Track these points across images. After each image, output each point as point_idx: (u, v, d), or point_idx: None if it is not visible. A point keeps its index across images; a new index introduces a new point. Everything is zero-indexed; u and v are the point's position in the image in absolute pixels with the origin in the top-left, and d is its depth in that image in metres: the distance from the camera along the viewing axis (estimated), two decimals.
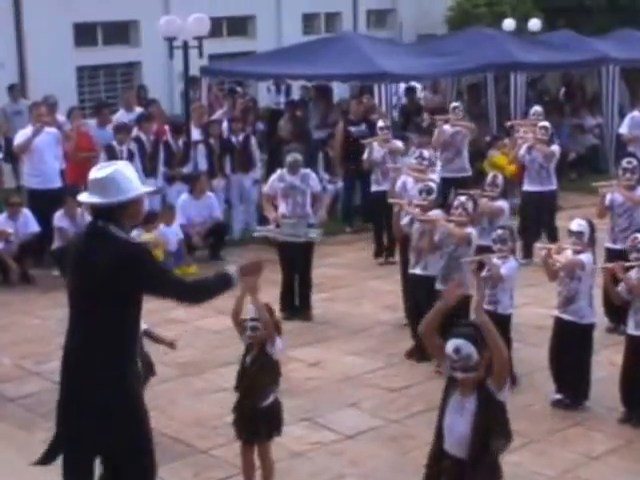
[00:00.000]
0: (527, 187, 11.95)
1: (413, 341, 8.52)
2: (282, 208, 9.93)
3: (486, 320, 4.74)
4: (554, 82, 20.42)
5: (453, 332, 4.73)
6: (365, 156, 12.25)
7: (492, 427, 4.66)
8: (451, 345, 4.66)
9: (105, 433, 4.81)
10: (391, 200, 9.67)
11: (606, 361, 8.22)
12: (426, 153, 10.41)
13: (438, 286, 8.27)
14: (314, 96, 17.76)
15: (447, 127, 12.99)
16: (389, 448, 6.94)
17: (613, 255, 8.77)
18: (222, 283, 5.06)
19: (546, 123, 12.13)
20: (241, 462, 6.18)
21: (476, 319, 4.85)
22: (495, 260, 7.83)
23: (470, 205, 8.45)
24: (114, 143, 12.69)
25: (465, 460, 4.69)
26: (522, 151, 11.94)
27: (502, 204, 9.61)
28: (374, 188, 12.14)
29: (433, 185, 8.96)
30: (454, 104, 13.68)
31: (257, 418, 5.98)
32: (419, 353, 8.30)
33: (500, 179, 9.74)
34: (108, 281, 4.71)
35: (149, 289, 4.88)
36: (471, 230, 8.34)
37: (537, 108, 13.36)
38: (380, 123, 12.48)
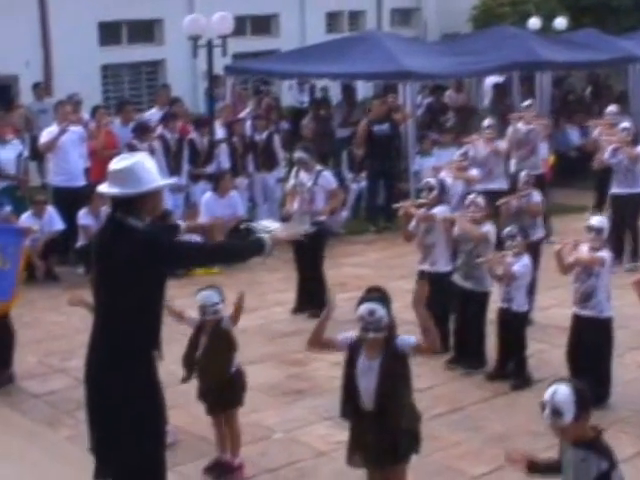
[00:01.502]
0: (615, 190, 11.82)
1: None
2: (293, 205, 10.02)
3: (424, 312, 5.28)
4: (579, 81, 20.31)
5: (366, 297, 5.27)
6: (470, 154, 11.93)
7: (398, 378, 5.25)
8: (365, 308, 5.19)
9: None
10: (395, 205, 9.70)
11: (633, 363, 8.17)
12: (471, 151, 10.47)
13: (459, 282, 8.40)
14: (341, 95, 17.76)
15: (521, 125, 12.87)
16: None
17: None
18: (253, 248, 5.15)
19: (627, 124, 12.01)
20: (215, 434, 6.52)
21: (417, 310, 5.28)
22: (508, 258, 7.90)
23: (482, 201, 8.47)
24: (134, 141, 12.76)
25: (376, 410, 5.23)
26: (607, 154, 11.81)
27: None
28: (479, 187, 11.70)
29: (433, 182, 9.03)
30: (527, 102, 13.55)
31: (223, 389, 6.36)
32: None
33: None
34: (128, 271, 4.74)
35: (173, 263, 5.03)
36: (488, 228, 8.39)
37: (612, 108, 13.24)
38: (486, 122, 12.34)
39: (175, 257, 4.97)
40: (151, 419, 4.93)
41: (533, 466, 4.86)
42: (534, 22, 21.82)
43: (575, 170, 15.34)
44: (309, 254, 9.95)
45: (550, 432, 4.67)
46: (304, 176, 10.05)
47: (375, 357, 5.27)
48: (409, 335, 5.39)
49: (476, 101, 18.35)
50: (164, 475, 5.08)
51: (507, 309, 8.00)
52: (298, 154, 10.17)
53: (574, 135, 17.06)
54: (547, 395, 4.48)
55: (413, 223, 8.90)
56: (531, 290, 8.61)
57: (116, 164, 4.86)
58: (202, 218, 12.13)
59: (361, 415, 5.37)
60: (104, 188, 4.92)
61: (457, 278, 8.48)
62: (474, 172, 10.89)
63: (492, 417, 7.53)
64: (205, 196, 12.44)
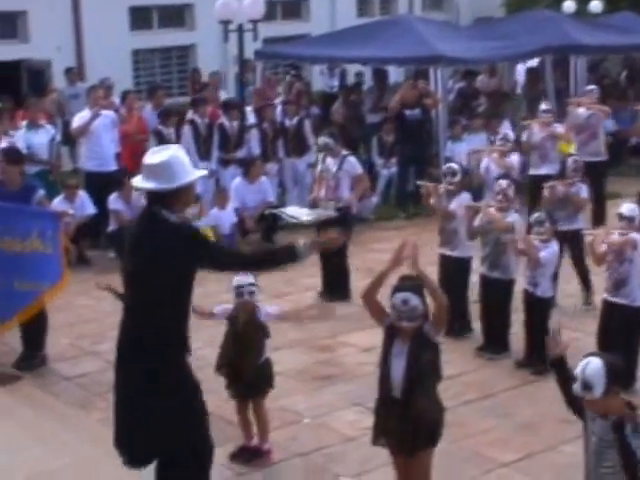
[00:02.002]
0: None
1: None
2: (321, 192, 10.09)
3: (422, 271, 5.32)
4: (614, 65, 20.09)
5: (400, 286, 5.28)
6: (524, 138, 11.96)
7: (425, 366, 5.25)
8: (400, 297, 5.22)
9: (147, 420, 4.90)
10: (420, 182, 9.84)
11: None
12: (511, 135, 10.43)
13: (485, 272, 8.45)
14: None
15: (581, 110, 12.74)
16: None
17: None
18: (287, 256, 5.15)
19: None
20: (238, 420, 6.58)
21: (414, 271, 5.34)
22: (536, 243, 7.93)
23: (511, 190, 8.43)
24: (160, 127, 12.80)
25: (402, 399, 5.23)
26: None
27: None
28: (532, 172, 11.84)
29: (456, 167, 8.96)
30: (590, 87, 13.41)
31: (252, 377, 6.39)
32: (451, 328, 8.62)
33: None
34: (161, 265, 4.77)
35: (207, 265, 4.96)
36: (514, 218, 8.36)
37: None
38: (543, 106, 12.19)
39: (211, 258, 4.97)
40: (191, 407, 4.97)
41: (561, 364, 4.88)
42: (569, 5, 21.60)
43: (609, 156, 15.18)
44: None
45: (580, 421, 4.67)
46: (330, 161, 10.14)
47: (406, 343, 5.30)
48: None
49: (509, 86, 18.20)
50: (210, 457, 5.12)
51: (532, 293, 8.09)
52: (322, 139, 10.27)
53: (608, 121, 16.84)
54: (579, 368, 4.50)
55: (432, 199, 8.95)
56: (555, 276, 8.63)
57: (151, 158, 4.86)
58: (232, 203, 12.18)
59: (387, 400, 5.39)
60: (139, 182, 4.92)
61: (484, 268, 8.49)
62: (514, 158, 10.75)
63: (522, 404, 7.52)
64: (235, 181, 12.47)
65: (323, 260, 10.14)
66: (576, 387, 4.51)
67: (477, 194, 10.30)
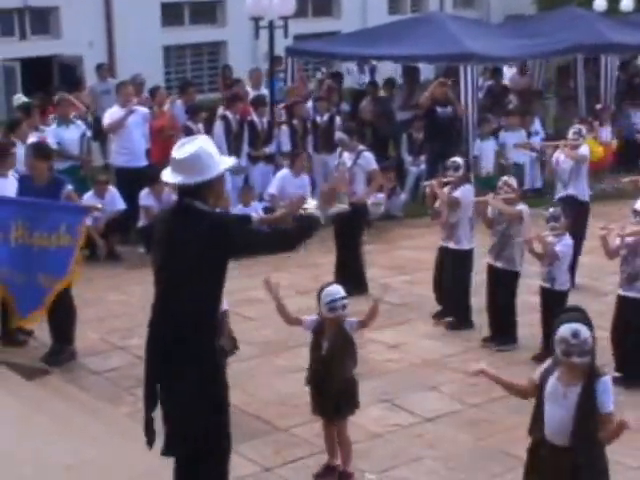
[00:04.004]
0: None
1: (439, 305, 9.27)
2: None
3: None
4: None
5: (567, 317, 4.75)
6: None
7: (596, 413, 4.64)
8: (568, 329, 4.65)
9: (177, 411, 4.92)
10: (424, 183, 10.15)
11: None
12: (584, 130, 10.50)
13: (491, 261, 8.64)
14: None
15: None
16: (468, 432, 6.95)
17: None
18: (309, 225, 5.18)
19: None
20: (324, 437, 6.29)
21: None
22: (550, 238, 8.05)
23: (514, 182, 8.64)
24: (189, 122, 12.85)
25: (567, 447, 4.71)
26: None
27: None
28: None
29: (460, 161, 9.17)
30: None
31: (337, 396, 6.08)
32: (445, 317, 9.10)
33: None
34: (196, 255, 4.77)
35: (240, 252, 4.97)
36: (522, 207, 8.53)
37: None
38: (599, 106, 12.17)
39: (245, 243, 4.95)
40: (217, 401, 4.99)
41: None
42: (600, 4, 21.49)
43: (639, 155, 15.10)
44: (347, 235, 10.14)
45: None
46: (346, 156, 10.32)
47: (573, 384, 4.72)
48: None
49: (539, 84, 18.12)
50: (228, 450, 5.13)
51: (549, 289, 8.22)
52: (338, 135, 10.60)
53: (638, 119, 16.78)
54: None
55: (438, 203, 9.15)
56: (573, 266, 8.90)
57: (179, 151, 4.85)
58: (271, 189, 12.16)
59: (543, 445, 4.86)
60: (168, 177, 4.91)
61: (490, 258, 8.68)
62: (585, 151, 10.64)
63: None
64: (281, 172, 12.45)
65: (337, 252, 10.22)
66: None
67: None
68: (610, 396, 4.68)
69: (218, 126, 12.94)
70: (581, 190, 10.30)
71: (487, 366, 5.12)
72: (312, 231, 5.18)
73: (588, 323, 4.72)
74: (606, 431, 4.61)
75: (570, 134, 10.37)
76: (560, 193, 10.31)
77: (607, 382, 4.71)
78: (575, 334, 4.63)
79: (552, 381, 4.77)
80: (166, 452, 5.02)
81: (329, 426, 6.25)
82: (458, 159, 9.28)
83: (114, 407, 7.46)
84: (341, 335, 6.05)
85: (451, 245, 9.10)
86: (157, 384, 4.97)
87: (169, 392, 4.95)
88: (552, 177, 10.95)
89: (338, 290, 6.03)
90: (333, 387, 6.06)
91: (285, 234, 5.16)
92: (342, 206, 10.20)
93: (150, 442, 5.03)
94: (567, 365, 4.69)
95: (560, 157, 10.28)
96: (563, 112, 16.61)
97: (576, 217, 9.04)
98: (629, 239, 7.61)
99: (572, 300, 9.66)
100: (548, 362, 4.89)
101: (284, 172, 12.34)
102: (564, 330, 4.66)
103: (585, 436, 4.65)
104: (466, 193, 9.02)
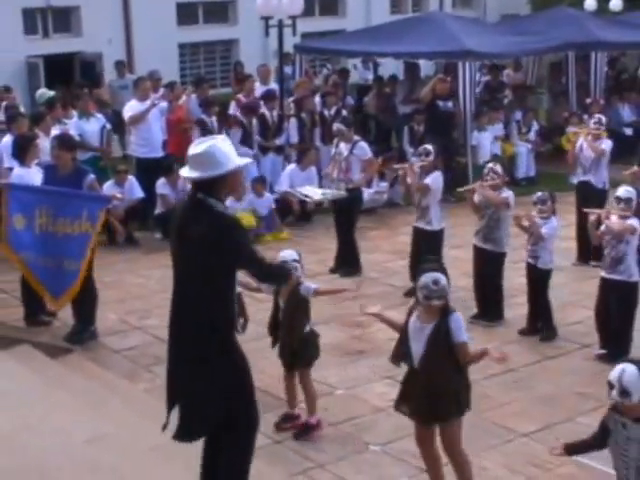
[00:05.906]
0: None
1: (411, 282, 8.91)
2: (334, 171, 10.36)
3: None
4: (632, 61, 19.90)
5: (428, 267, 5.25)
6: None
7: (443, 344, 5.17)
8: (430, 277, 5.14)
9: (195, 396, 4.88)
10: (396, 165, 10.37)
11: None
12: (603, 119, 10.54)
13: (478, 244, 8.70)
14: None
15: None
16: None
17: None
18: (282, 273, 5.63)
19: None
20: (284, 388, 6.59)
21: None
22: (537, 220, 8.12)
23: (499, 169, 8.64)
24: (203, 116, 12.82)
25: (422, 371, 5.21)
26: None
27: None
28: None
29: (430, 147, 9.22)
30: None
31: (298, 348, 6.38)
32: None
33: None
34: (203, 251, 4.74)
35: (235, 262, 4.87)
36: (508, 193, 8.57)
37: None
38: (588, 100, 12.09)
39: (246, 254, 4.90)
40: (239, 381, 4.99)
41: (573, 449, 4.97)
42: (590, 3, 21.41)
43: (627, 147, 15.04)
44: (344, 219, 10.24)
45: (596, 395, 4.64)
46: (343, 146, 10.33)
47: (429, 322, 5.22)
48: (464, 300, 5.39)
49: (532, 80, 18.07)
50: (256, 428, 5.10)
51: (534, 265, 8.33)
52: (335, 126, 10.58)
53: (626, 112, 16.77)
54: (614, 375, 4.48)
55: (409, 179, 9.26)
56: None
57: (195, 148, 4.81)
58: (282, 187, 12.15)
59: (411, 372, 5.37)
60: (185, 172, 4.88)
61: (477, 240, 8.71)
62: (605, 145, 10.46)
63: (542, 379, 7.51)
64: (289, 167, 12.46)
65: (337, 237, 10.36)
66: (614, 395, 4.49)
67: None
68: (462, 328, 5.18)
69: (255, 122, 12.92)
70: (600, 178, 10.44)
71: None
72: (282, 279, 5.70)
73: (444, 272, 5.21)
74: (463, 357, 5.16)
75: (591, 124, 10.44)
76: (580, 177, 10.53)
77: (458, 318, 5.21)
78: (436, 282, 5.13)
79: (413, 319, 5.29)
80: (181, 438, 4.98)
81: (289, 377, 6.53)
82: (429, 146, 9.30)
83: (132, 384, 7.46)
84: (294, 295, 6.32)
85: (422, 225, 9.21)
86: (178, 383, 4.93)
87: (189, 383, 4.90)
88: (573, 162, 10.85)
89: (291, 253, 6.31)
90: (291, 339, 6.36)
91: (269, 266, 5.25)
92: (339, 192, 10.39)
93: (165, 426, 5.00)
94: (425, 306, 5.19)
95: (584, 144, 10.37)
96: (555, 106, 16.62)
97: (591, 203, 9.05)
98: (613, 224, 7.56)
99: (569, 278, 9.77)
100: (410, 304, 5.41)
101: (292, 167, 12.33)
102: (426, 278, 5.14)
103: (434, 361, 5.16)
104: (436, 179, 9.10)
